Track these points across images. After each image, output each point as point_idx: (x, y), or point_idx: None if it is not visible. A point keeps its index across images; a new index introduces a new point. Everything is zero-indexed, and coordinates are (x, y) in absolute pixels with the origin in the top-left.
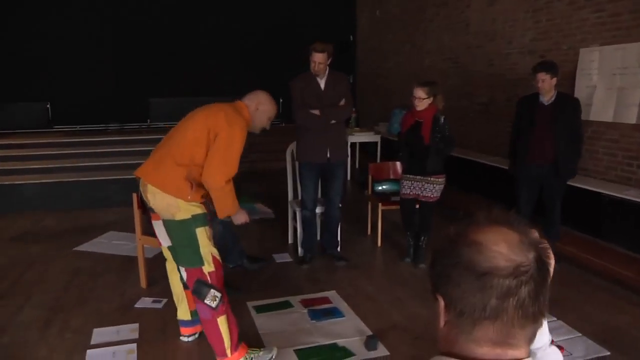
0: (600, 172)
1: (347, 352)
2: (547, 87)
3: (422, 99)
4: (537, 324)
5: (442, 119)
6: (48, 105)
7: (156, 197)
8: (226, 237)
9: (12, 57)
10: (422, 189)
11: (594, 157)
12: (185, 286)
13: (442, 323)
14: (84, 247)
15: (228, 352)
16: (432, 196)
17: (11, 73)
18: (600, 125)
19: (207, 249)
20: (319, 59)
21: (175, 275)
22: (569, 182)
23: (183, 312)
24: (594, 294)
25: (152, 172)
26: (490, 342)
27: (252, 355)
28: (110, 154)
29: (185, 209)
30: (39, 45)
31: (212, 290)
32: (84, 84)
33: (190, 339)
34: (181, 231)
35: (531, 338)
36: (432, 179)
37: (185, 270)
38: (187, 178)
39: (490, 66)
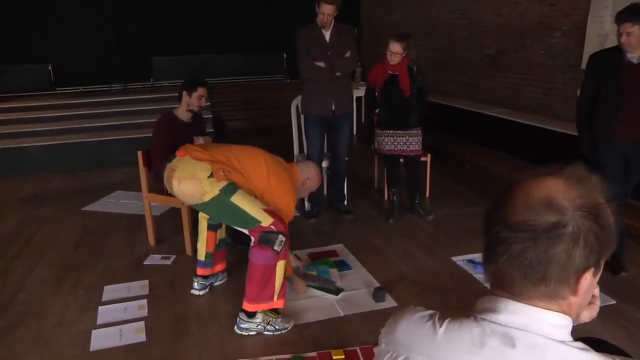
0: None
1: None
2: (634, 41)
3: (398, 54)
4: None
5: (415, 69)
6: (49, 67)
7: (181, 184)
8: None
9: (10, 18)
10: (408, 143)
11: None
12: (210, 227)
13: None
14: (93, 207)
15: (275, 297)
16: (418, 149)
17: (10, 34)
18: None
19: (254, 208)
20: (327, 11)
21: (204, 216)
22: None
23: (200, 253)
24: None
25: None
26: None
27: (270, 319)
28: (114, 114)
29: (210, 188)
30: (38, 5)
31: (279, 236)
32: (85, 44)
33: (201, 292)
34: (219, 208)
35: None
36: (414, 131)
37: (248, 231)
38: (223, 169)
39: (498, 16)
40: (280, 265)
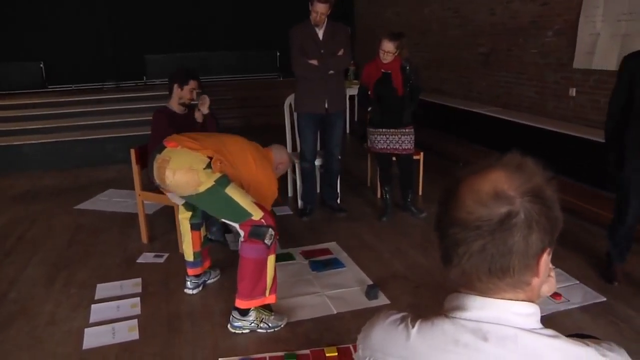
0: (602, 122)
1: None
2: None
3: (391, 53)
4: None
5: (408, 68)
6: (41, 65)
7: (176, 174)
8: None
9: (1, 15)
10: (400, 141)
11: (595, 107)
12: (193, 227)
13: None
14: (85, 205)
15: (267, 292)
16: (410, 148)
17: (2, 32)
18: (603, 74)
19: (246, 200)
20: (321, 9)
21: (185, 217)
22: (571, 133)
23: (187, 254)
24: (592, 243)
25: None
26: None
27: (263, 316)
28: (107, 112)
29: (206, 179)
30: (30, 2)
31: (269, 230)
32: (77, 42)
33: (194, 291)
34: (213, 200)
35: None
36: (406, 130)
37: (238, 225)
38: (220, 160)
39: (491, 15)
40: (271, 260)
